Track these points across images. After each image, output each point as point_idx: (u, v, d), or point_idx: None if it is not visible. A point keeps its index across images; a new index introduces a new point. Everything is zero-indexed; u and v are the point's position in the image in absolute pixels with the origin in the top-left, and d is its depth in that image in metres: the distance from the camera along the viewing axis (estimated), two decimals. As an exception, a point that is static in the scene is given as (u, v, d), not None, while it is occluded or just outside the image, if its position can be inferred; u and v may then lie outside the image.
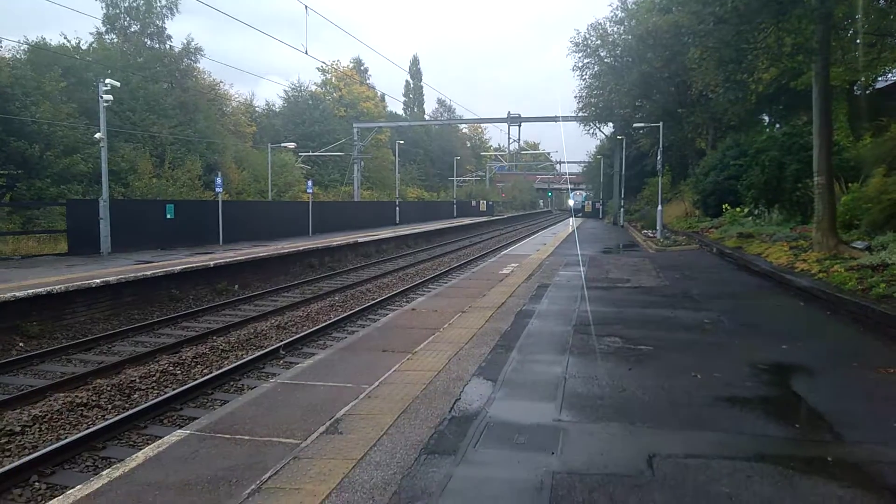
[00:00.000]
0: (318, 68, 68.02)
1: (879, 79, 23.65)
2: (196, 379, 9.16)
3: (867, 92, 24.42)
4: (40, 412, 7.65)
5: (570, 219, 62.71)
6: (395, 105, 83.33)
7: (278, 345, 10.76)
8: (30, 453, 6.60)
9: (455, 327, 8.59)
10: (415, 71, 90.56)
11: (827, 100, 14.05)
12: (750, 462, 4.18)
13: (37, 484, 6.01)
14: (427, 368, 6.47)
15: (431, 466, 4.14)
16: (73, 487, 4.01)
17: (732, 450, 4.39)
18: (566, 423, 4.93)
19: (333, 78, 66.98)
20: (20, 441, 7.00)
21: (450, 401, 5.43)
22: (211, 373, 9.44)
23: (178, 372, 9.60)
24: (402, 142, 51.54)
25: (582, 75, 39.86)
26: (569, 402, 5.40)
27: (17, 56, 30.46)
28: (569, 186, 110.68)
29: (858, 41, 17.39)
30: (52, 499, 4.58)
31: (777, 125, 30.45)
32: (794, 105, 26.47)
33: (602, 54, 38.42)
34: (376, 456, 4.30)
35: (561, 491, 3.76)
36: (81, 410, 7.92)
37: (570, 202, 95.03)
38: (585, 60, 39.01)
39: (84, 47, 35.71)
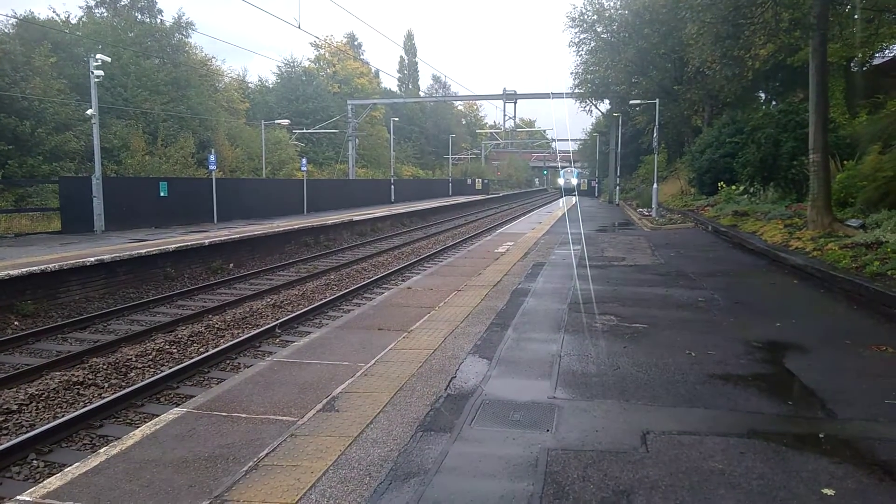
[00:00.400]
0: (311, 43, 67.38)
1: (877, 55, 23.55)
2: (192, 357, 9.18)
3: (864, 68, 24.31)
4: (37, 391, 7.66)
5: (562, 199, 56.30)
6: (390, 81, 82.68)
7: (274, 323, 10.77)
8: (27, 432, 6.62)
9: (450, 306, 8.61)
10: (409, 46, 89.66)
11: (824, 76, 13.98)
12: (743, 439, 4.22)
13: (35, 462, 6.03)
14: (423, 347, 6.50)
15: (427, 443, 4.17)
16: (71, 465, 4.03)
17: (726, 427, 4.44)
18: (561, 400, 4.97)
19: (327, 53, 66.28)
20: (17, 419, 7.02)
21: (445, 379, 5.46)
22: (207, 351, 9.45)
23: (175, 350, 9.61)
24: (396, 119, 51.22)
25: (578, 51, 39.56)
26: (564, 380, 5.44)
27: (6, 30, 30.02)
28: (558, 164, 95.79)
29: (856, 16, 17.26)
30: (50, 476, 4.60)
31: (773, 102, 30.35)
32: (791, 82, 26.38)
33: (598, 30, 38.10)
34: (373, 433, 4.33)
35: (556, 467, 3.80)
36: (78, 389, 7.93)
37: (560, 181, 78.08)
38: (581, 36, 38.70)
39: (74, 21, 35.19)
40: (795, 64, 20.77)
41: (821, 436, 4.29)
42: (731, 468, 3.78)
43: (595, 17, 37.82)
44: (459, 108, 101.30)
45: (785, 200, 18.64)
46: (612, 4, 37.58)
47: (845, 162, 16.42)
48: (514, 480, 3.65)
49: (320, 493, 3.52)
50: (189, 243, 16.22)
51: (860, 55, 21.98)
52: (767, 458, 3.93)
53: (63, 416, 7.04)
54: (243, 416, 4.70)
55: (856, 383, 5.40)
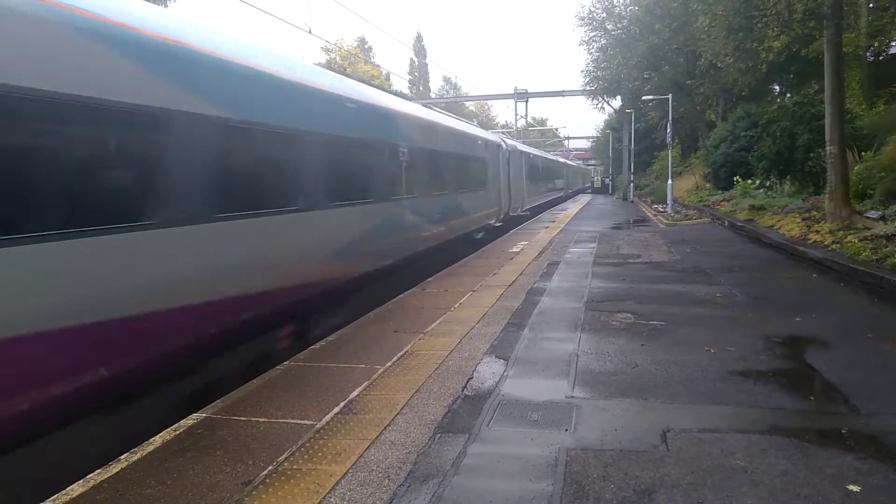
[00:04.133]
0: (322, 48, 67.59)
1: (892, 43, 23.22)
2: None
3: (880, 58, 23.99)
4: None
5: (582, 196, 54.59)
6: (401, 84, 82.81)
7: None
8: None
9: (466, 306, 8.60)
10: (419, 48, 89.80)
11: (839, 67, 13.81)
12: (765, 435, 4.17)
13: (58, 468, 6.09)
14: (439, 348, 6.49)
15: (446, 445, 4.16)
16: (93, 471, 4.06)
17: (747, 423, 4.39)
18: (579, 399, 4.94)
19: (338, 57, 66.59)
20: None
21: (462, 380, 5.45)
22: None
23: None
24: (408, 121, 51.12)
25: (588, 49, 39.54)
26: (581, 379, 5.40)
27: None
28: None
29: (871, 5, 17.05)
30: (73, 483, 4.64)
31: (788, 94, 30.01)
32: (806, 73, 26.07)
33: (608, 27, 38.02)
34: (391, 435, 4.33)
35: (575, 467, 3.78)
36: (99, 395, 8.00)
37: None
38: (591, 34, 38.63)
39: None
40: (810, 55, 20.54)
41: (844, 431, 4.23)
42: (754, 465, 3.74)
43: (604, 14, 37.71)
44: (471, 108, 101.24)
45: (802, 193, 18.42)
46: (621, 1, 37.47)
47: (863, 153, 16.19)
48: (533, 481, 3.63)
49: (340, 497, 3.53)
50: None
51: (876, 44, 21.69)
52: (790, 454, 3.88)
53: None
54: (262, 419, 4.72)
55: (879, 377, 5.31)
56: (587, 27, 38.22)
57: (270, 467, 3.91)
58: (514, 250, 15.07)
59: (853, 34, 18.05)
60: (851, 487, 3.46)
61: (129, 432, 4.66)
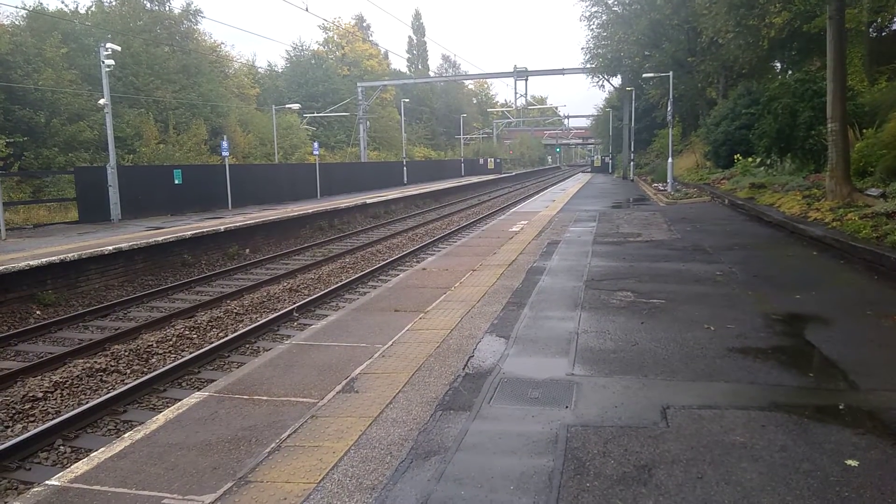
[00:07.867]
0: (319, 26, 67.10)
1: (895, 19, 22.99)
2: (212, 342, 9.27)
3: (882, 34, 23.76)
4: (61, 378, 7.79)
5: (580, 174, 51.89)
6: (399, 62, 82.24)
7: (292, 307, 10.84)
8: (53, 418, 6.74)
9: (466, 286, 8.61)
10: (417, 26, 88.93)
11: (841, 43, 13.68)
12: (764, 411, 4.19)
13: (62, 447, 6.15)
14: (440, 327, 6.51)
15: (447, 422, 4.19)
16: (97, 450, 4.10)
17: (746, 400, 4.41)
18: (579, 377, 4.96)
19: (335, 36, 65.98)
20: (43, 406, 7.15)
21: (463, 358, 5.47)
22: (227, 336, 9.54)
23: (195, 336, 9.71)
24: (407, 100, 50.90)
25: (589, 25, 39.24)
26: (582, 357, 5.43)
27: (16, 22, 30.07)
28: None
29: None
30: (77, 461, 4.68)
31: (790, 71, 29.76)
32: (807, 50, 25.84)
33: (609, 2, 37.59)
34: (392, 413, 4.35)
35: (576, 443, 3.80)
36: (101, 376, 8.05)
37: None
38: (593, 9, 38.25)
39: (83, 12, 35.19)
40: (812, 31, 20.33)
41: (843, 407, 4.26)
42: (753, 441, 3.76)
43: (606, -11, 37.28)
44: (470, 87, 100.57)
45: (803, 171, 18.36)
46: (622, -24, 37.04)
47: (864, 130, 16.11)
48: (534, 457, 3.66)
49: (343, 473, 3.56)
50: (205, 230, 16.32)
51: (879, 20, 21.45)
52: (789, 430, 3.90)
53: (87, 402, 7.16)
54: (264, 398, 4.75)
55: (878, 354, 5.34)
56: (589, 1, 37.82)
57: (273, 445, 3.94)
58: (514, 230, 15.06)
59: (856, 10, 17.83)
60: (850, 462, 3.49)
61: None
